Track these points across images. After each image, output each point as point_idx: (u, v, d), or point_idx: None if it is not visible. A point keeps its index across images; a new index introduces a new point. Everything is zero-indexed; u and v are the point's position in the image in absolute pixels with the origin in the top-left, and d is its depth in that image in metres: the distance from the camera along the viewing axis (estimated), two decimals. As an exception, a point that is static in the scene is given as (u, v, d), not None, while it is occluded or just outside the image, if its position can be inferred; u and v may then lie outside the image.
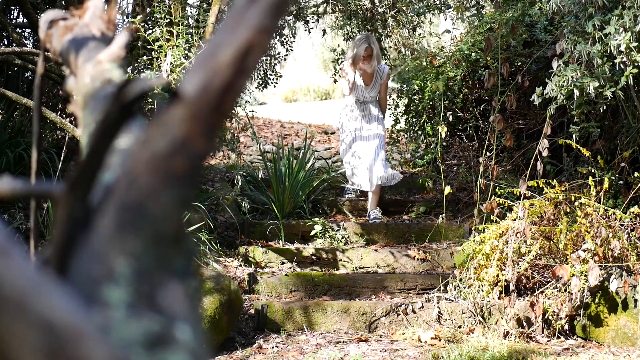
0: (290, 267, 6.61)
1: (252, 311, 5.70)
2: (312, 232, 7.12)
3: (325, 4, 10.35)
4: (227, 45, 0.54)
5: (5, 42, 7.56)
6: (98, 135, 0.57)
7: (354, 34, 9.95)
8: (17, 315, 0.39)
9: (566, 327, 5.48)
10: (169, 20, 6.35)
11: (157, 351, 0.46)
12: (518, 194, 5.85)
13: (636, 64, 5.30)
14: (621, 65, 5.39)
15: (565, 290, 5.43)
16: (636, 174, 5.79)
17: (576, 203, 5.54)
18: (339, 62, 9.66)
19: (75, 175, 0.56)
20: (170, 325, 0.48)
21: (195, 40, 6.49)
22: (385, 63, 10.26)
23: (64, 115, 6.83)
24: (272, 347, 5.25)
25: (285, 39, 10.02)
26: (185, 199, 0.53)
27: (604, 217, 5.54)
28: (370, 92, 7.84)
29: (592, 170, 6.05)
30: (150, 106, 5.44)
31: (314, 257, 6.73)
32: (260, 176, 7.79)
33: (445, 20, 10.36)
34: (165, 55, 6.15)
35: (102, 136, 0.56)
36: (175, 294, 0.50)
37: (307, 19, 10.13)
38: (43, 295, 0.41)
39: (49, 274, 0.46)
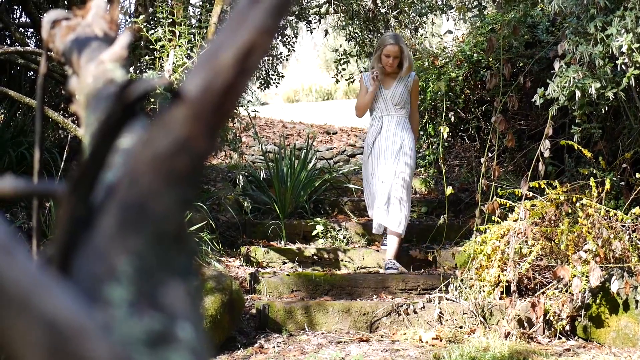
0: (291, 267, 6.61)
1: (254, 311, 5.71)
2: (314, 232, 7.12)
3: (327, 4, 10.36)
4: (228, 46, 0.54)
5: (8, 42, 7.57)
6: (100, 134, 0.57)
7: (356, 35, 9.96)
8: (20, 313, 0.40)
9: (567, 327, 5.48)
10: (171, 20, 6.36)
11: (158, 349, 0.46)
12: (519, 195, 5.85)
13: (638, 65, 5.30)
14: (623, 66, 5.39)
15: (567, 291, 5.43)
16: (638, 175, 5.79)
17: (578, 204, 5.54)
18: (341, 62, 9.65)
19: (77, 174, 0.56)
20: (171, 323, 0.48)
21: (198, 41, 6.49)
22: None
23: (67, 115, 6.84)
24: (274, 347, 5.25)
25: (287, 39, 10.04)
26: (186, 198, 0.54)
27: (606, 218, 5.54)
28: (393, 98, 6.61)
29: (594, 171, 6.05)
30: (152, 106, 5.45)
31: (315, 257, 6.74)
32: (262, 176, 7.80)
33: (448, 20, 10.37)
34: (168, 55, 6.16)
35: (104, 136, 0.56)
36: (177, 292, 0.50)
37: (310, 19, 10.14)
38: (46, 294, 0.41)
39: (52, 273, 0.46)
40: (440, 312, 5.72)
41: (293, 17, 9.94)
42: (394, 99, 6.64)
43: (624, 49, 5.28)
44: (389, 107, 6.66)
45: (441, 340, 5.38)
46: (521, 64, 7.24)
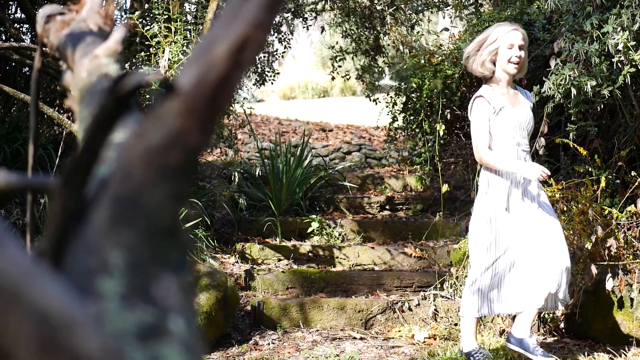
0: (287, 264, 6.61)
1: (249, 308, 5.71)
2: (309, 229, 7.12)
3: (323, 1, 10.35)
4: (222, 40, 0.54)
5: (3, 38, 7.55)
6: (93, 128, 0.57)
7: (353, 32, 9.95)
8: (11, 304, 0.40)
9: (562, 325, 5.49)
10: (167, 16, 6.35)
11: (150, 342, 0.46)
12: (515, 193, 5.85)
13: (634, 63, 5.30)
14: (619, 64, 5.39)
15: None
16: (633, 173, 5.80)
17: (573, 202, 5.55)
18: (337, 59, 9.63)
19: (70, 168, 0.56)
20: (163, 317, 0.48)
21: (194, 37, 6.48)
22: (384, 61, 10.27)
23: (62, 111, 6.83)
24: (268, 344, 5.25)
25: (283, 36, 10.02)
26: (179, 192, 0.54)
27: (601, 216, 5.55)
28: (527, 122, 4.60)
29: (589, 169, 6.05)
30: (148, 102, 5.44)
31: (310, 254, 6.74)
32: (257, 173, 7.80)
33: (444, 18, 10.36)
34: (163, 52, 6.15)
35: (97, 129, 0.56)
36: (169, 286, 0.50)
37: (306, 16, 10.13)
38: (37, 286, 0.41)
39: (44, 266, 0.46)
40: (435, 310, 5.73)
41: (289, 14, 9.93)
42: (529, 124, 4.62)
43: (620, 47, 5.28)
44: (524, 137, 4.59)
45: (435, 339, 5.39)
46: (517, 62, 7.23)
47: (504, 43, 4.49)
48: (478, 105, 4.55)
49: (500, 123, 4.49)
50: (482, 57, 4.54)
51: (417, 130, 8.33)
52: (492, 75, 4.59)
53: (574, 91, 5.48)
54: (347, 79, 10.26)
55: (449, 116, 7.98)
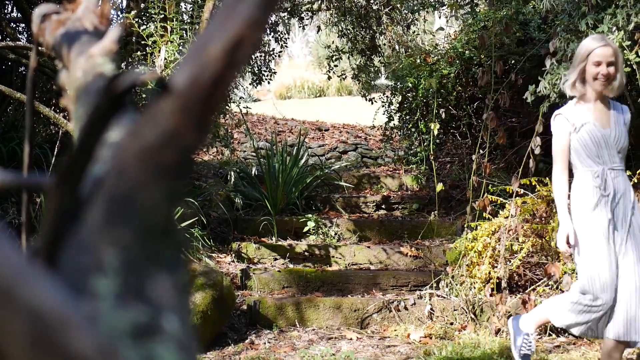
0: (283, 263, 6.62)
1: (245, 307, 5.71)
2: (305, 229, 7.13)
3: (319, 0, 10.35)
4: (217, 39, 0.54)
5: (0, 37, 7.55)
6: (88, 127, 0.57)
7: (349, 31, 9.95)
8: (4, 303, 0.40)
9: (558, 324, 5.50)
10: (163, 15, 6.34)
11: (144, 341, 0.46)
12: (510, 192, 5.86)
13: (629, 63, 5.31)
14: (614, 64, 5.39)
15: (557, 287, 5.45)
16: (628, 173, 5.81)
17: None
18: (333, 59, 9.63)
19: (65, 167, 0.56)
20: (158, 316, 0.48)
21: (190, 36, 6.48)
22: (379, 61, 10.27)
23: (58, 110, 6.82)
24: (264, 343, 5.25)
25: (279, 35, 10.02)
26: (175, 191, 0.54)
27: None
28: (618, 141, 4.29)
29: (585, 169, 6.05)
30: (143, 102, 5.44)
31: (306, 253, 6.74)
32: (253, 172, 7.80)
33: (440, 17, 10.38)
34: (159, 51, 6.14)
35: (92, 128, 0.56)
36: (164, 285, 0.50)
37: (302, 15, 10.13)
38: (31, 284, 0.41)
39: (38, 264, 0.46)
40: (431, 309, 5.73)
41: (285, 14, 9.94)
42: (619, 141, 4.32)
43: (615, 47, 5.29)
44: (613, 156, 4.32)
45: (431, 338, 5.39)
46: (513, 62, 7.25)
47: (590, 60, 4.25)
48: (556, 123, 4.48)
49: (582, 140, 4.32)
50: (573, 79, 4.35)
51: (413, 129, 8.34)
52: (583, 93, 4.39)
53: (569, 91, 5.48)
54: (343, 79, 10.27)
55: (444, 116, 7.99)
